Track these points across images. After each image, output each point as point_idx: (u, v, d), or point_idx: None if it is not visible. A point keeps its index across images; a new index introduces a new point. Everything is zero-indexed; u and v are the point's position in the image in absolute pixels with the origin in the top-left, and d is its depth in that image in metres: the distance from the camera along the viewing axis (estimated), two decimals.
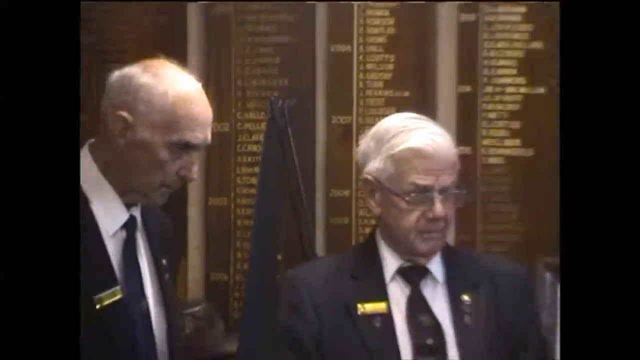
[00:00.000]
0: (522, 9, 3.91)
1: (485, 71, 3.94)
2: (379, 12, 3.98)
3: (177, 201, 3.38)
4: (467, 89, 3.95)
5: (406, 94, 3.96)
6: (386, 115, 2.82)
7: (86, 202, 2.45)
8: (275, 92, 3.89)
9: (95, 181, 2.48)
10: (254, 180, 3.79)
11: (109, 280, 2.44)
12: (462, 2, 3.93)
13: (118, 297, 2.43)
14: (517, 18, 3.92)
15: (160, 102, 2.43)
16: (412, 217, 2.62)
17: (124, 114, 2.43)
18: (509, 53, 3.94)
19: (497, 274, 2.73)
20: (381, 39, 3.98)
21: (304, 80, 4.01)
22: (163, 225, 2.66)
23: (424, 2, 3.93)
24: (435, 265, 2.70)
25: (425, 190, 2.61)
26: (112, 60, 2.96)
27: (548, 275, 3.61)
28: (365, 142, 2.72)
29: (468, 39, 3.94)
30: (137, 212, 2.54)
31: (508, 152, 3.94)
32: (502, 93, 3.94)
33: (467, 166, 3.49)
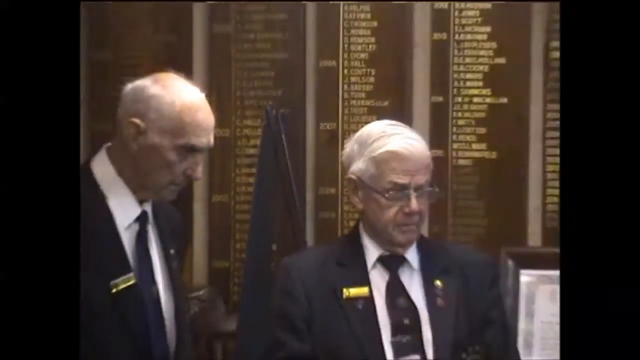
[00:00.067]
0: (487, 28, 3.90)
1: (455, 83, 3.93)
2: (362, 32, 3.97)
3: (184, 198, 3.37)
4: (439, 99, 3.94)
5: (385, 103, 3.95)
6: (368, 122, 2.82)
7: (103, 198, 2.45)
8: (270, 102, 3.88)
9: (112, 180, 2.47)
10: (251, 180, 3.78)
11: (124, 267, 2.43)
12: (436, 23, 3.92)
13: (132, 282, 2.43)
14: (484, 37, 3.92)
15: (169, 110, 2.42)
16: (391, 212, 2.62)
17: (137, 120, 2.42)
18: (475, 67, 3.93)
19: (466, 262, 2.73)
20: (363, 55, 3.98)
21: (296, 91, 4.00)
22: (172, 219, 2.65)
23: (401, 22, 3.92)
24: (411, 254, 2.69)
25: (402, 188, 2.61)
26: (126, 73, 2.95)
27: (510, 263, 3.61)
28: (349, 146, 2.72)
29: (440, 55, 3.94)
30: (148, 208, 2.53)
31: (475, 154, 3.93)
32: (470, 103, 3.93)
33: (439, 167, 3.49)
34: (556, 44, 3.83)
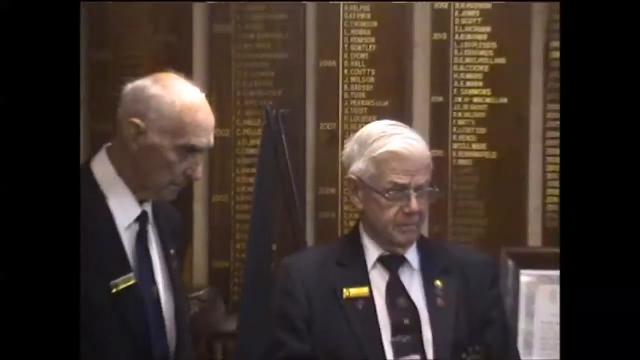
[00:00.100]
0: (487, 28, 3.90)
1: (455, 83, 3.93)
2: (362, 32, 3.97)
3: (184, 198, 3.37)
4: (439, 99, 3.94)
5: (385, 103, 3.95)
6: (368, 122, 2.82)
7: (103, 198, 2.45)
8: (270, 102, 3.88)
9: (112, 180, 2.47)
10: (251, 180, 3.78)
11: (124, 267, 2.43)
12: (436, 23, 3.92)
13: (132, 282, 2.43)
14: (484, 37, 3.92)
15: (169, 110, 2.42)
16: (391, 212, 2.62)
17: (137, 120, 2.42)
18: (475, 67, 3.93)
19: (467, 262, 2.73)
20: (363, 55, 3.98)
21: (296, 91, 4.00)
22: (172, 219, 2.65)
23: (401, 22, 3.92)
24: (411, 254, 2.69)
25: (402, 188, 2.61)
26: (126, 73, 2.95)
27: (510, 263, 3.61)
28: (349, 146, 2.72)
29: (440, 55, 3.94)
30: (148, 208, 2.53)
31: (475, 154, 3.93)
32: (470, 103, 3.94)
33: (439, 167, 3.49)
34: (556, 44, 3.83)
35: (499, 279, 2.97)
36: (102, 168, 2.48)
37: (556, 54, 3.83)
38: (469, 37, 3.93)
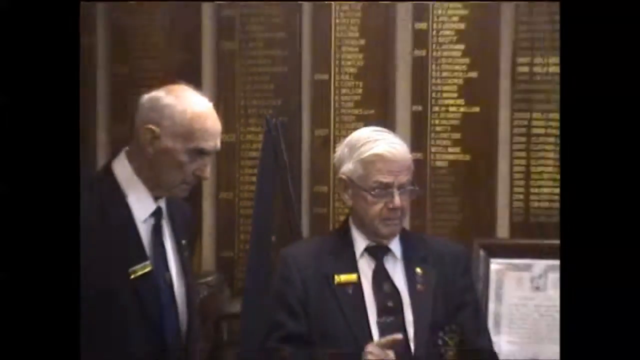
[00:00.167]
0: (461, 46, 3.89)
1: (433, 94, 3.93)
2: (351, 49, 3.96)
3: (194, 195, 3.35)
4: (419, 108, 3.93)
5: (372, 112, 3.94)
6: (356, 129, 2.82)
7: (123, 196, 2.44)
8: (270, 111, 3.88)
9: (130, 179, 2.46)
10: (253, 179, 3.77)
11: (141, 256, 2.42)
12: (416, 41, 3.91)
13: (148, 269, 2.42)
14: (458, 54, 3.91)
15: (181, 118, 2.42)
16: (377, 208, 2.62)
17: (152, 127, 2.42)
18: (451, 80, 3.92)
19: (443, 252, 2.73)
20: (352, 70, 3.97)
21: (293, 101, 3.99)
22: (183, 214, 2.64)
23: (386, 41, 3.91)
24: (395, 245, 2.69)
25: (387, 186, 2.61)
26: (142, 85, 2.95)
27: (481, 253, 3.60)
28: (340, 149, 2.72)
29: (420, 69, 3.93)
30: (163, 204, 2.52)
31: (451, 157, 3.93)
32: (446, 111, 3.93)
33: (419, 168, 3.48)
34: (522, 59, 3.83)
35: (471, 267, 2.97)
36: (122, 169, 2.47)
37: (522, 69, 3.83)
38: (445, 53, 3.92)
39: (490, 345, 2.77)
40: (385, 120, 3.76)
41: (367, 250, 2.67)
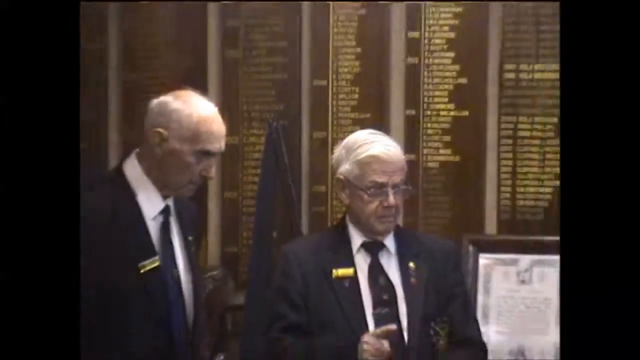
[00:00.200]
0: (452, 54, 3.89)
1: (425, 99, 3.92)
2: (348, 57, 3.96)
3: (200, 194, 3.36)
4: (412, 112, 3.93)
5: (367, 115, 3.94)
6: (353, 132, 2.81)
7: (133, 194, 2.44)
8: (272, 115, 3.88)
9: (140, 179, 2.45)
10: (256, 179, 3.76)
11: (150, 252, 2.42)
12: (409, 49, 3.91)
13: (156, 264, 2.41)
14: (448, 61, 3.91)
15: (187, 122, 2.41)
16: (372, 206, 2.61)
17: (161, 130, 2.41)
18: (442, 86, 3.92)
19: (435, 248, 2.73)
20: (349, 76, 3.97)
21: (293, 106, 3.99)
22: (190, 212, 2.64)
23: (381, 49, 3.91)
24: (389, 241, 2.69)
25: (381, 186, 2.60)
26: (151, 90, 2.94)
27: (471, 248, 3.60)
28: (338, 151, 2.71)
29: (413, 76, 3.93)
30: (170, 202, 2.51)
31: (442, 158, 3.92)
32: (437, 115, 3.92)
33: (412, 169, 3.48)
34: (509, 66, 3.83)
35: (461, 262, 2.97)
36: (132, 169, 2.46)
37: (509, 75, 3.83)
38: (436, 61, 3.92)
39: (479, 335, 2.76)
40: (380, 123, 3.75)
41: (363, 246, 2.67)
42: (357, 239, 2.67)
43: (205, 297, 3.10)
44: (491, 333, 3.39)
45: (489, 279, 3.55)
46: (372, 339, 2.49)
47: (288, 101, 3.98)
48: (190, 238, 2.57)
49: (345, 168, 2.65)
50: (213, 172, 2.49)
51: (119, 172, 2.47)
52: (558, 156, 3.75)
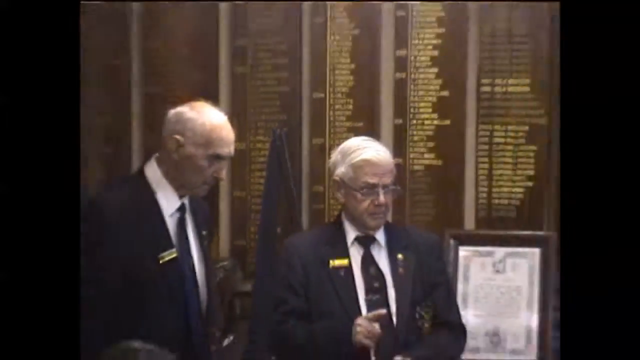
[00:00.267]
0: (435, 70, 3.88)
1: (412, 110, 3.92)
2: (343, 72, 3.95)
3: (212, 194, 3.35)
4: (400, 121, 3.92)
5: (360, 124, 3.93)
6: (348, 138, 2.81)
7: (153, 194, 2.44)
8: (276, 124, 3.87)
9: (159, 180, 2.46)
10: (262, 181, 3.75)
11: (168, 244, 2.42)
12: (397, 66, 3.90)
13: (174, 255, 2.42)
14: (432, 76, 3.90)
15: (201, 129, 2.42)
16: (365, 204, 2.61)
17: (178, 137, 2.42)
18: (426, 98, 3.91)
19: (420, 241, 2.73)
20: (344, 89, 3.96)
21: (295, 116, 3.98)
22: (203, 210, 2.64)
23: (372, 65, 3.90)
24: (380, 235, 2.69)
25: (373, 186, 2.60)
26: (169, 102, 2.94)
27: (452, 242, 3.59)
28: (334, 156, 2.71)
29: (400, 89, 3.92)
30: (186, 201, 2.52)
31: (426, 162, 3.92)
32: (422, 124, 3.92)
33: (400, 171, 3.47)
34: (485, 81, 3.83)
35: (443, 254, 2.97)
36: (152, 171, 2.47)
37: (485, 88, 3.83)
38: (421, 76, 3.91)
39: (459, 318, 2.76)
40: (372, 131, 3.74)
41: (357, 239, 2.67)
42: (351, 233, 2.67)
43: (217, 285, 3.09)
44: (470, 316, 3.38)
45: (467, 269, 3.55)
46: (364, 322, 2.49)
47: (290, 111, 3.98)
48: (203, 232, 2.57)
49: (341, 170, 2.65)
50: (224, 174, 2.49)
51: (141, 174, 2.47)
52: (529, 160, 3.76)
